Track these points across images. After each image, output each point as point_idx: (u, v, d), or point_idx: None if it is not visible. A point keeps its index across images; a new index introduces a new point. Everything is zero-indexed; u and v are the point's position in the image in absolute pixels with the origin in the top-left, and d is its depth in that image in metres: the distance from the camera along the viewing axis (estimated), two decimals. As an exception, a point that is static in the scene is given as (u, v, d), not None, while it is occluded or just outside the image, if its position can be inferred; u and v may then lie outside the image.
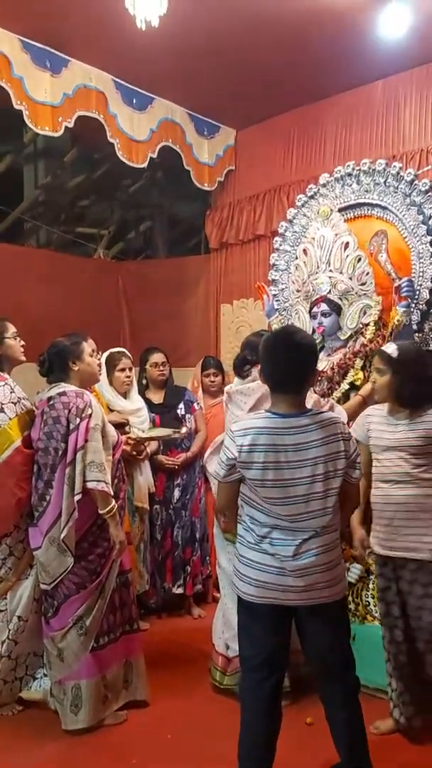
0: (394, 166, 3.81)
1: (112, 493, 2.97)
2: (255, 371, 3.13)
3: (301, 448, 2.28)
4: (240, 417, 3.01)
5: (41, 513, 3.03)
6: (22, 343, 3.31)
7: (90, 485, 2.90)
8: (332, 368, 3.62)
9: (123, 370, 4.12)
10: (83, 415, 2.96)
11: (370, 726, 2.79)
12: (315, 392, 3.60)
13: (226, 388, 3.35)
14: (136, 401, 4.20)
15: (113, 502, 2.98)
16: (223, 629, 3.28)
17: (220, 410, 4.37)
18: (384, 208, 3.84)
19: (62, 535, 2.91)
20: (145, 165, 5.27)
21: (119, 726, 3.02)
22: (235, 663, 3.13)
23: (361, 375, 3.56)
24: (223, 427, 3.56)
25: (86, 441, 2.93)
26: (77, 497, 2.90)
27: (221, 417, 3.96)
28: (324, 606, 2.32)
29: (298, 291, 3.94)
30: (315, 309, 3.74)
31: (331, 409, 3.09)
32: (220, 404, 4.41)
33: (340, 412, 3.09)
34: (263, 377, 2.44)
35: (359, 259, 3.65)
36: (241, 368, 3.22)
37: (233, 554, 2.99)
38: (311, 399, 2.94)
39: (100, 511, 2.95)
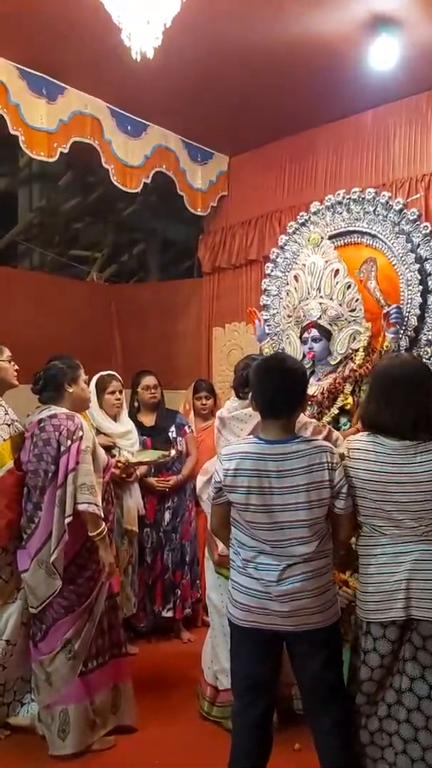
0: (384, 195, 3.88)
1: (102, 515, 2.98)
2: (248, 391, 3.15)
3: (283, 474, 2.29)
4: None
5: (30, 535, 3.03)
6: (16, 367, 3.32)
7: (81, 507, 2.91)
8: (322, 393, 3.65)
9: (113, 392, 4.13)
10: (74, 437, 2.98)
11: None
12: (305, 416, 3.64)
13: (219, 413, 3.31)
14: (126, 424, 4.22)
15: (103, 524, 2.99)
16: (213, 660, 3.27)
17: (211, 433, 4.38)
18: (373, 236, 3.90)
19: (52, 558, 2.91)
20: (138, 190, 5.33)
21: (107, 751, 3.00)
22: (224, 695, 3.13)
23: (350, 400, 3.59)
24: (213, 450, 3.57)
25: (77, 463, 2.95)
26: (68, 519, 2.90)
27: (212, 440, 3.98)
28: (313, 632, 2.32)
29: (289, 316, 3.99)
30: (305, 334, 3.78)
31: (329, 435, 3.00)
32: (212, 427, 4.43)
33: (338, 439, 3.04)
34: (253, 403, 2.48)
35: (349, 286, 3.70)
36: (242, 388, 3.18)
37: (225, 589, 3.00)
38: (310, 426, 2.94)
39: (90, 534, 2.96)
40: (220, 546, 3.03)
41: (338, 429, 3.61)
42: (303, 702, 2.55)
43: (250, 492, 2.29)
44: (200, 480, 3.45)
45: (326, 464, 2.31)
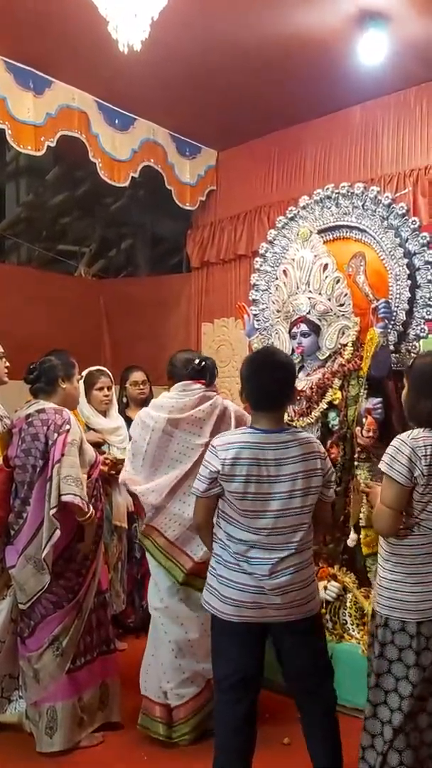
0: (372, 190, 3.87)
1: (86, 508, 2.92)
2: (196, 387, 3.16)
3: (281, 463, 2.36)
4: (202, 444, 3.01)
5: (17, 531, 3.01)
6: (7, 364, 3.29)
7: (66, 498, 2.86)
8: (311, 388, 3.64)
9: (101, 389, 4.11)
10: (61, 430, 2.96)
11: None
12: (294, 411, 3.64)
13: (163, 415, 3.09)
14: (115, 419, 4.20)
15: (91, 510, 2.96)
16: (163, 677, 3.02)
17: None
18: (362, 230, 3.89)
19: (44, 554, 2.88)
20: (126, 184, 5.31)
21: (95, 748, 2.99)
22: (182, 711, 2.99)
23: (339, 395, 3.58)
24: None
25: (62, 455, 2.92)
26: (52, 511, 2.86)
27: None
28: (300, 621, 2.39)
29: (278, 311, 3.98)
30: (294, 329, 3.77)
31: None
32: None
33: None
34: (245, 395, 2.50)
35: (338, 281, 3.69)
36: (209, 378, 3.19)
37: (185, 595, 2.98)
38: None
39: (78, 519, 2.93)
40: (200, 553, 2.94)
41: (327, 424, 3.62)
42: (292, 692, 2.56)
43: (248, 480, 2.34)
44: (143, 491, 3.07)
45: (317, 453, 2.43)
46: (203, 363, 3.20)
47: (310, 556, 2.45)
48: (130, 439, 4.16)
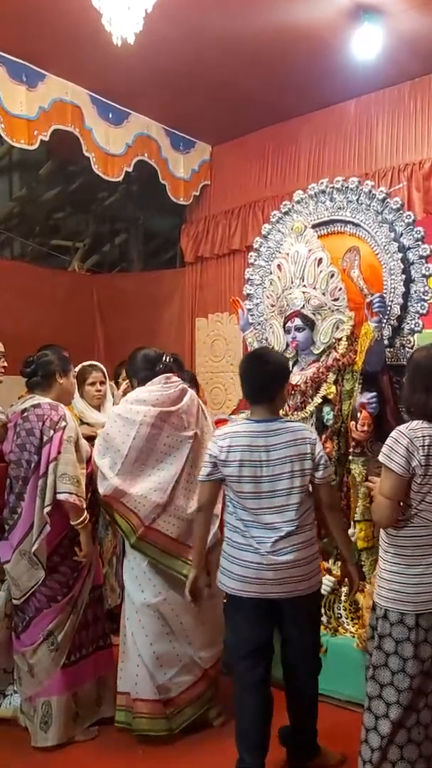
0: (367, 184, 3.87)
1: (83, 506, 2.95)
2: (175, 379, 3.23)
3: (272, 449, 2.59)
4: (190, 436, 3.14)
5: (12, 526, 3.00)
6: (4, 364, 3.28)
7: (61, 497, 2.87)
8: (305, 382, 3.65)
9: (93, 384, 4.10)
10: (57, 427, 2.95)
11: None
12: (289, 405, 3.64)
13: (154, 408, 3.06)
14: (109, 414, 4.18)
15: (85, 513, 2.96)
16: (159, 671, 2.98)
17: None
18: (356, 225, 3.89)
19: (33, 548, 2.89)
20: (120, 179, 5.29)
21: (90, 742, 3.00)
22: (181, 698, 3.01)
23: (333, 389, 3.59)
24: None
25: (59, 453, 2.92)
26: (46, 509, 2.87)
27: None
28: (300, 598, 2.58)
29: (272, 306, 3.97)
30: (289, 324, 3.77)
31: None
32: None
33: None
34: (243, 392, 2.75)
35: (332, 275, 3.69)
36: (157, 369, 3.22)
37: (177, 583, 2.98)
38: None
39: (72, 522, 2.93)
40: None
41: (322, 419, 3.62)
42: (283, 658, 2.70)
43: (242, 465, 2.57)
44: (145, 491, 3.01)
45: (308, 439, 2.64)
46: (174, 357, 3.36)
47: (312, 537, 2.63)
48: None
